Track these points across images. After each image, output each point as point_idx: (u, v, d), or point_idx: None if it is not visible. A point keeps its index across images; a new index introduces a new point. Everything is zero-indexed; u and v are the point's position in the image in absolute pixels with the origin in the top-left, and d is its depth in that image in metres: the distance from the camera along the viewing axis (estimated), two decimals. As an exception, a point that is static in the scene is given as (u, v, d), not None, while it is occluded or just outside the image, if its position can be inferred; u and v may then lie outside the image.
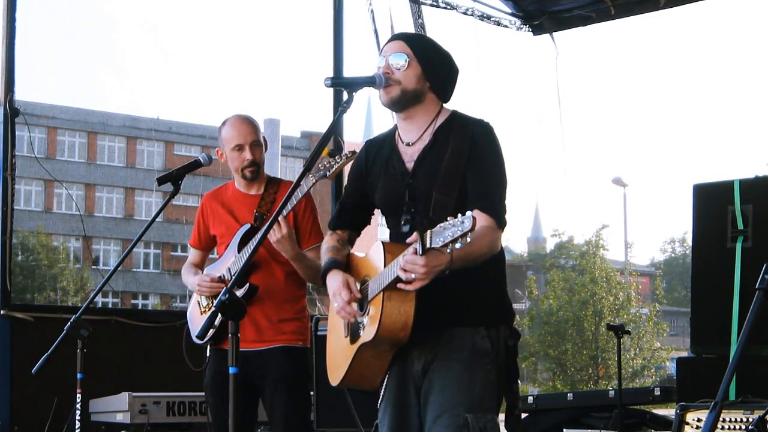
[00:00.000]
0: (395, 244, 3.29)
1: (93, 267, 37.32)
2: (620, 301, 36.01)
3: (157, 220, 4.73)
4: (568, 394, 7.51)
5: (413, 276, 3.09)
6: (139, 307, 40.00)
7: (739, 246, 5.66)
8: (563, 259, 43.37)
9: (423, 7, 8.48)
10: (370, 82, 3.42)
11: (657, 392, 7.11)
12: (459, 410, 3.31)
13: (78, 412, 4.53)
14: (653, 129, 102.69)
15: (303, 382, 4.61)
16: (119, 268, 5.19)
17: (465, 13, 8.59)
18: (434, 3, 8.47)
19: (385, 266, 3.24)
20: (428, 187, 3.39)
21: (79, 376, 4.45)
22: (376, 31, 8.25)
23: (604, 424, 6.83)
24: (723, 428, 4.50)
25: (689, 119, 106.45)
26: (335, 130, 7.04)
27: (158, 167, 40.66)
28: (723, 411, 3.50)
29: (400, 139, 3.54)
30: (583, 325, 35.65)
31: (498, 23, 8.74)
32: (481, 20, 8.65)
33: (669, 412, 6.10)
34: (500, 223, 3.36)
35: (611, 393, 7.06)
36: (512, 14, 8.77)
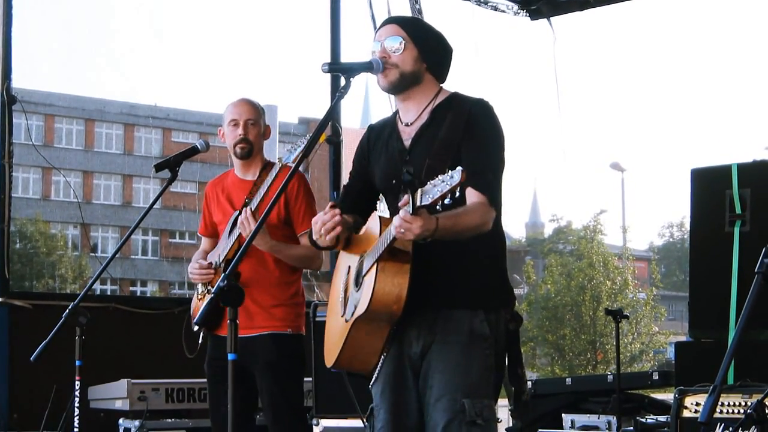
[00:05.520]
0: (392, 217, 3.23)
1: (91, 254, 37.30)
2: (618, 285, 36.02)
3: (155, 206, 4.72)
4: (567, 379, 7.50)
5: (402, 230, 3.02)
6: (138, 294, 40.05)
7: (737, 230, 5.66)
8: (561, 244, 43.40)
9: (420, -8, 8.46)
10: (367, 67, 3.41)
11: (655, 377, 7.12)
12: (456, 395, 3.30)
13: (77, 399, 4.53)
14: (651, 114, 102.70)
15: (292, 369, 4.54)
16: (117, 255, 5.17)
17: (462, -1, 8.58)
18: (431, -12, 8.44)
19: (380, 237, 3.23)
20: (424, 163, 3.35)
21: (77, 363, 4.45)
22: (373, 17, 8.24)
23: (602, 409, 6.83)
24: (721, 412, 4.50)
25: (687, 104, 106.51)
26: (333, 115, 7.02)
27: (156, 154, 40.60)
28: (721, 395, 3.50)
29: (400, 120, 3.55)
30: (581, 310, 35.66)
31: (495, 8, 8.73)
32: (479, 5, 8.64)
33: (667, 396, 6.10)
34: (492, 200, 3.31)
35: (610, 378, 7.06)
36: (509, -1, 8.76)
